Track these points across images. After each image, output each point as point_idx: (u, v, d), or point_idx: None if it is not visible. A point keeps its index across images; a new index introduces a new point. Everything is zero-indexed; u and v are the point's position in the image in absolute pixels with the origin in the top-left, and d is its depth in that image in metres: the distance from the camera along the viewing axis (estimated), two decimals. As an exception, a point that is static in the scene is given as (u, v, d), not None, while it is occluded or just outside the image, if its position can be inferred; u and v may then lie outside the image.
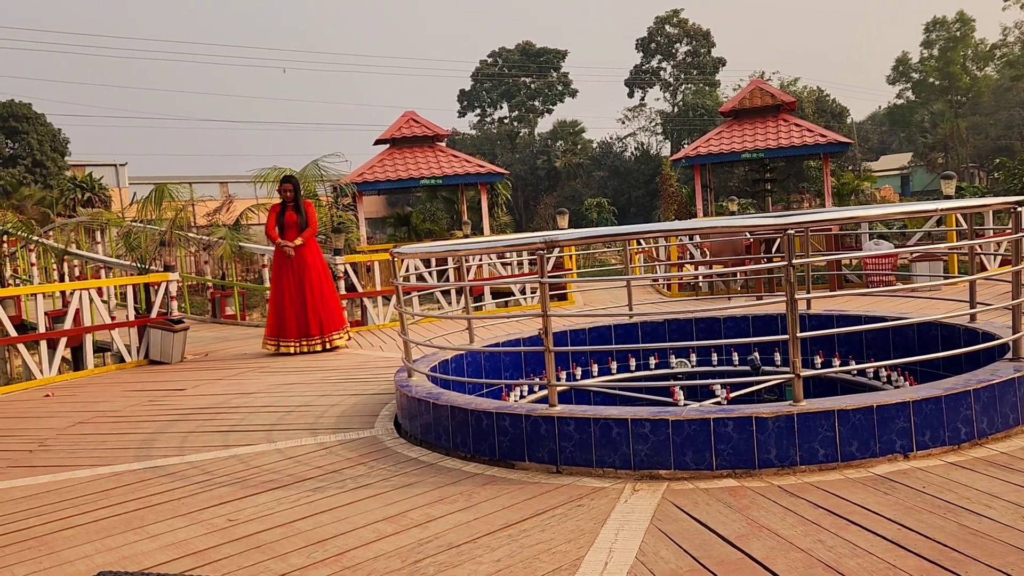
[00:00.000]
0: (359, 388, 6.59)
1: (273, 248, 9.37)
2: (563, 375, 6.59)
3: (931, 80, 55.09)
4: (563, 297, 12.62)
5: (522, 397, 6.26)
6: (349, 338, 9.39)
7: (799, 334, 3.82)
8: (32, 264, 15.37)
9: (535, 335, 6.76)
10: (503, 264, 13.20)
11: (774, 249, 11.63)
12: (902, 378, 5.92)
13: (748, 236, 11.28)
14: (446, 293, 12.04)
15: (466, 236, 18.62)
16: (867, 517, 3.05)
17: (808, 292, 6.77)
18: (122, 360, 9.12)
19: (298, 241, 8.88)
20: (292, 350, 8.90)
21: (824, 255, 10.07)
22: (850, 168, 37.73)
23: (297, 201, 9.05)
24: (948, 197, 12.49)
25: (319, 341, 8.97)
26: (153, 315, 9.36)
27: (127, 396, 7.13)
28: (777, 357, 6.63)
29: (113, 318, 9.35)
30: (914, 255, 10.59)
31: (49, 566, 3.20)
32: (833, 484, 3.46)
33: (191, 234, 16.61)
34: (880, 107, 66.58)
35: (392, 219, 26.22)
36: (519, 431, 4.08)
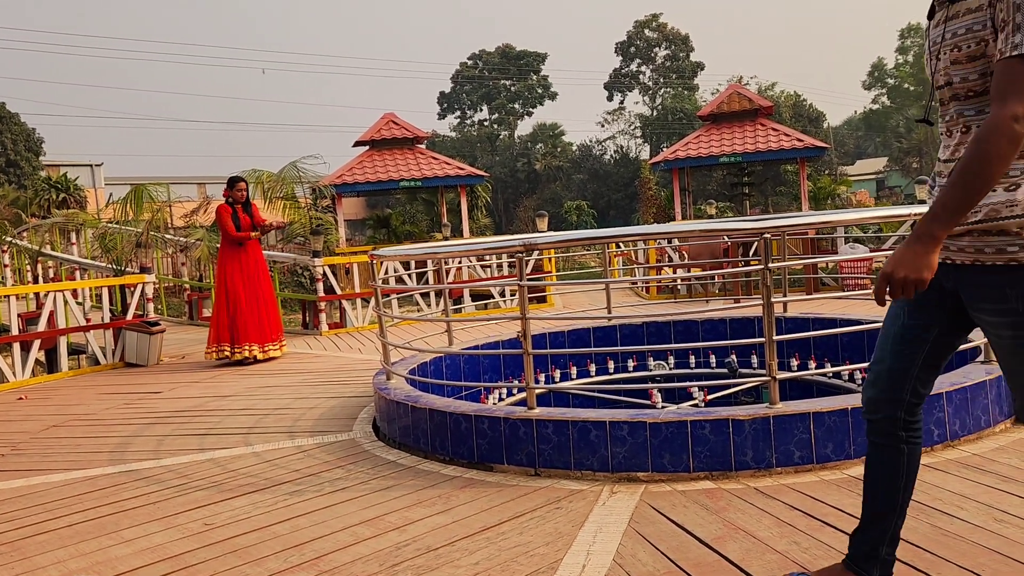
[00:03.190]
0: (337, 391, 6.56)
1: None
2: (542, 377, 6.60)
3: (906, 86, 55.78)
4: (542, 299, 12.63)
5: (501, 400, 6.26)
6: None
7: (775, 337, 3.85)
8: (5, 265, 15.17)
9: (514, 338, 6.76)
10: (483, 266, 13.20)
11: (751, 252, 11.72)
12: (877, 380, 5.97)
13: (726, 239, 11.36)
14: (425, 295, 12.01)
15: (446, 238, 18.59)
16: (842, 519, 3.09)
17: (785, 295, 6.83)
18: (97, 362, 9.03)
19: (254, 235, 8.56)
20: (251, 355, 8.42)
21: (800, 259, 10.16)
22: (827, 172, 38.11)
23: (247, 202, 8.67)
24: (922, 202, 12.64)
25: (275, 346, 8.67)
26: (129, 317, 9.27)
27: (102, 399, 7.05)
28: (754, 359, 6.67)
29: (88, 320, 9.25)
30: (889, 259, 10.70)
31: (22, 572, 3.16)
32: (809, 486, 3.49)
33: (168, 235, 16.46)
34: (856, 112, 67.32)
35: (372, 221, 26.15)
36: (498, 434, 4.08)
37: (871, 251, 11.01)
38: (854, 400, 3.84)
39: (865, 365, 5.49)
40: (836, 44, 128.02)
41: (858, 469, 3.65)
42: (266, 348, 8.57)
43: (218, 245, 12.89)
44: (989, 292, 2.00)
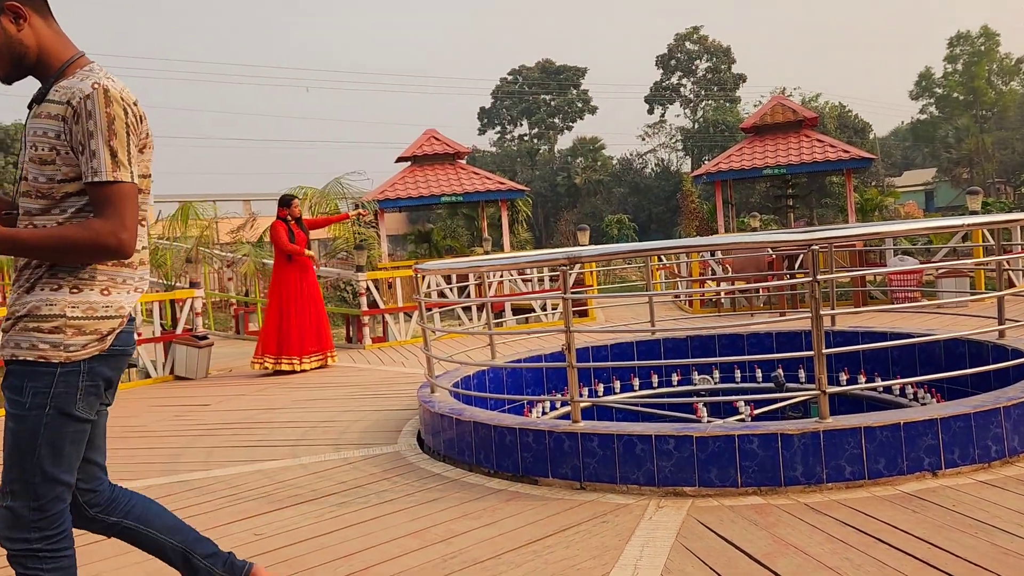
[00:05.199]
0: (382, 404, 6.61)
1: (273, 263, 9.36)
2: (585, 392, 6.58)
3: (955, 95, 54.66)
4: (583, 313, 12.60)
5: (544, 413, 6.25)
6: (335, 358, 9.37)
7: (824, 350, 3.80)
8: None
9: (557, 351, 6.75)
10: (523, 280, 13.21)
11: (797, 265, 11.56)
12: (929, 395, 5.85)
13: (770, 252, 11.23)
14: (467, 309, 12.06)
15: (486, 253, 18.65)
16: (896, 535, 3.02)
17: (833, 308, 6.73)
18: (148, 376, 9.22)
19: (308, 253, 9.01)
20: (306, 367, 8.85)
21: (849, 271, 9.99)
22: (873, 184, 37.48)
23: (299, 218, 9.06)
24: (974, 213, 12.35)
25: (322, 357, 9.04)
26: (179, 331, 9.46)
27: (153, 411, 7.20)
28: (801, 374, 6.58)
29: (139, 334, 9.45)
30: (940, 271, 10.49)
31: (78, 579, 3.23)
32: (860, 502, 3.43)
33: (216, 251, 16.77)
34: (903, 122, 66.04)
35: (413, 236, 26.34)
36: (542, 447, 4.08)
37: (920, 263, 10.79)
38: (907, 415, 3.77)
39: (916, 379, 5.39)
40: (882, 54, 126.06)
41: (912, 485, 3.57)
42: (304, 360, 8.88)
43: (264, 260, 13.15)
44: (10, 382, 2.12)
